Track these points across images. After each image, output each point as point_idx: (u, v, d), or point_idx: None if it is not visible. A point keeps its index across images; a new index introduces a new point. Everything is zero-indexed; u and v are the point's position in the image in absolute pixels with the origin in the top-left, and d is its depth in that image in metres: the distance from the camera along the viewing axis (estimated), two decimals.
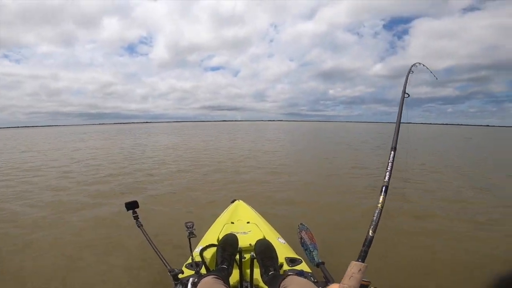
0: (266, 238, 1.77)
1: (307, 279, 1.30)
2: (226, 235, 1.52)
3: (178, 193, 4.75)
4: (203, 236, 1.92)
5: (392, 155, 0.87)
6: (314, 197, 4.76)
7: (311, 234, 1.78)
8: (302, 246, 1.72)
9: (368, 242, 0.86)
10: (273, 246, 1.50)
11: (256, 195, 4.61)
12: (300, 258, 1.61)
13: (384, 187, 0.82)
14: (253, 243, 1.56)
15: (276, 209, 3.91)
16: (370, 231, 0.83)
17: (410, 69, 1.17)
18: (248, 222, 2.04)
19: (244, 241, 1.64)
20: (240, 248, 1.44)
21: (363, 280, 0.82)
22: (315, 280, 1.33)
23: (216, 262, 1.38)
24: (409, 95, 1.02)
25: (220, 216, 2.26)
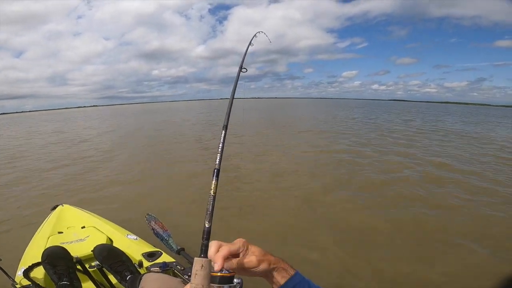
0: (112, 238, 1.68)
1: (172, 269, 1.32)
2: (48, 248, 1.34)
3: None
4: (21, 256, 1.61)
5: (223, 134, 0.79)
6: (148, 182, 4.59)
7: (161, 223, 1.74)
8: (157, 237, 1.67)
9: (206, 234, 0.74)
10: (116, 248, 1.39)
11: (83, 195, 4.03)
12: (159, 250, 1.55)
13: (215, 171, 0.73)
14: None
15: (114, 204, 3.58)
16: (206, 223, 0.73)
17: (251, 40, 1.11)
18: (83, 227, 1.84)
19: (83, 249, 1.50)
20: (77, 258, 1.29)
21: (226, 272, 0.75)
22: (182, 268, 1.31)
23: (54, 281, 1.21)
24: (246, 70, 0.95)
25: (39, 229, 1.89)
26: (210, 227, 0.74)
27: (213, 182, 0.72)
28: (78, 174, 5.18)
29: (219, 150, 0.74)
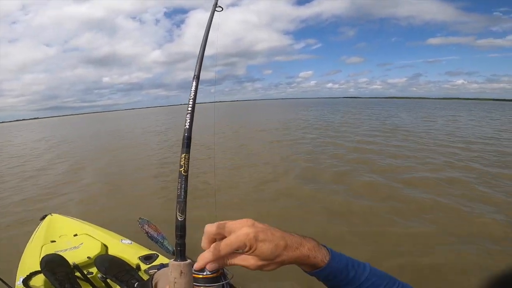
0: (107, 244, 1.69)
1: None
2: (45, 256, 1.37)
3: None
4: (17, 265, 1.60)
5: (194, 85, 0.56)
6: (131, 186, 4.75)
7: (154, 225, 1.71)
8: (152, 240, 1.66)
9: (181, 230, 0.53)
10: (117, 258, 1.41)
11: (71, 204, 4.09)
12: (155, 252, 1.57)
13: (185, 139, 0.50)
14: (91, 255, 1.48)
15: (107, 211, 3.59)
16: (178, 215, 0.51)
17: None
18: (75, 235, 1.85)
19: (79, 256, 1.50)
20: (75, 264, 1.32)
21: (209, 273, 0.57)
22: None
23: None
24: (222, 8, 0.74)
25: (31, 239, 1.89)
26: (184, 220, 0.52)
27: (183, 155, 0.50)
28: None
29: (189, 109, 0.52)
